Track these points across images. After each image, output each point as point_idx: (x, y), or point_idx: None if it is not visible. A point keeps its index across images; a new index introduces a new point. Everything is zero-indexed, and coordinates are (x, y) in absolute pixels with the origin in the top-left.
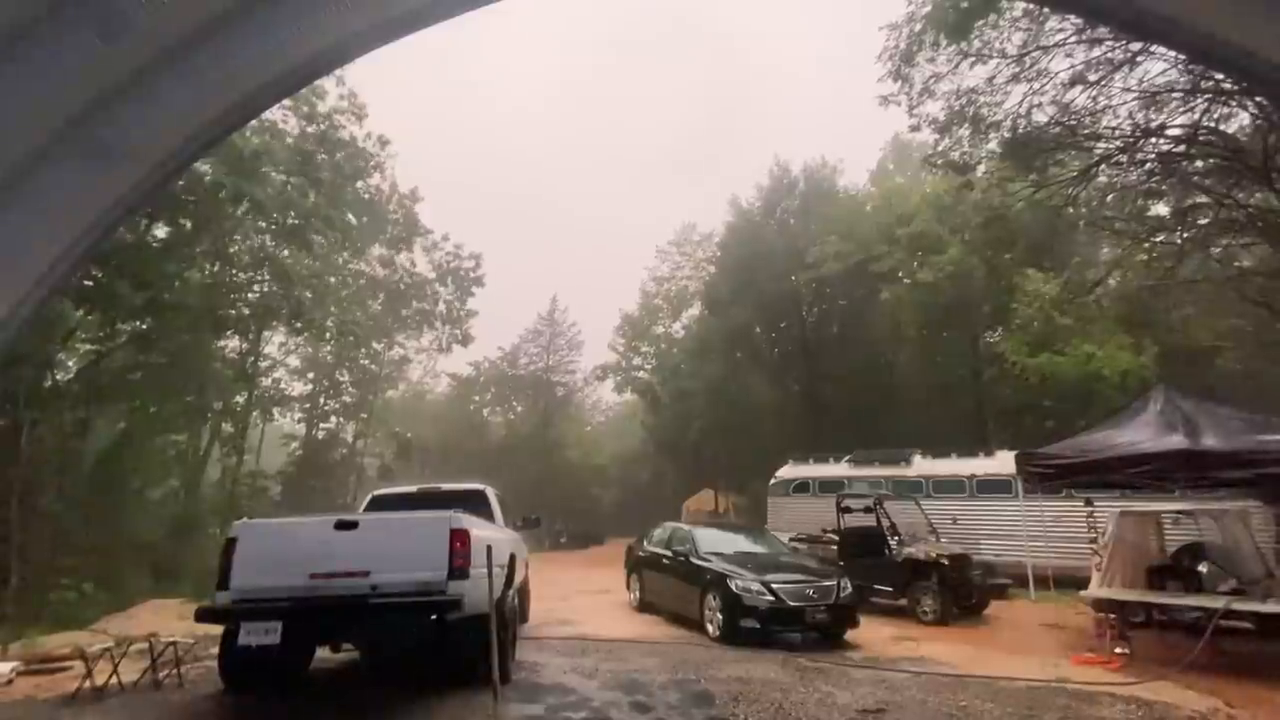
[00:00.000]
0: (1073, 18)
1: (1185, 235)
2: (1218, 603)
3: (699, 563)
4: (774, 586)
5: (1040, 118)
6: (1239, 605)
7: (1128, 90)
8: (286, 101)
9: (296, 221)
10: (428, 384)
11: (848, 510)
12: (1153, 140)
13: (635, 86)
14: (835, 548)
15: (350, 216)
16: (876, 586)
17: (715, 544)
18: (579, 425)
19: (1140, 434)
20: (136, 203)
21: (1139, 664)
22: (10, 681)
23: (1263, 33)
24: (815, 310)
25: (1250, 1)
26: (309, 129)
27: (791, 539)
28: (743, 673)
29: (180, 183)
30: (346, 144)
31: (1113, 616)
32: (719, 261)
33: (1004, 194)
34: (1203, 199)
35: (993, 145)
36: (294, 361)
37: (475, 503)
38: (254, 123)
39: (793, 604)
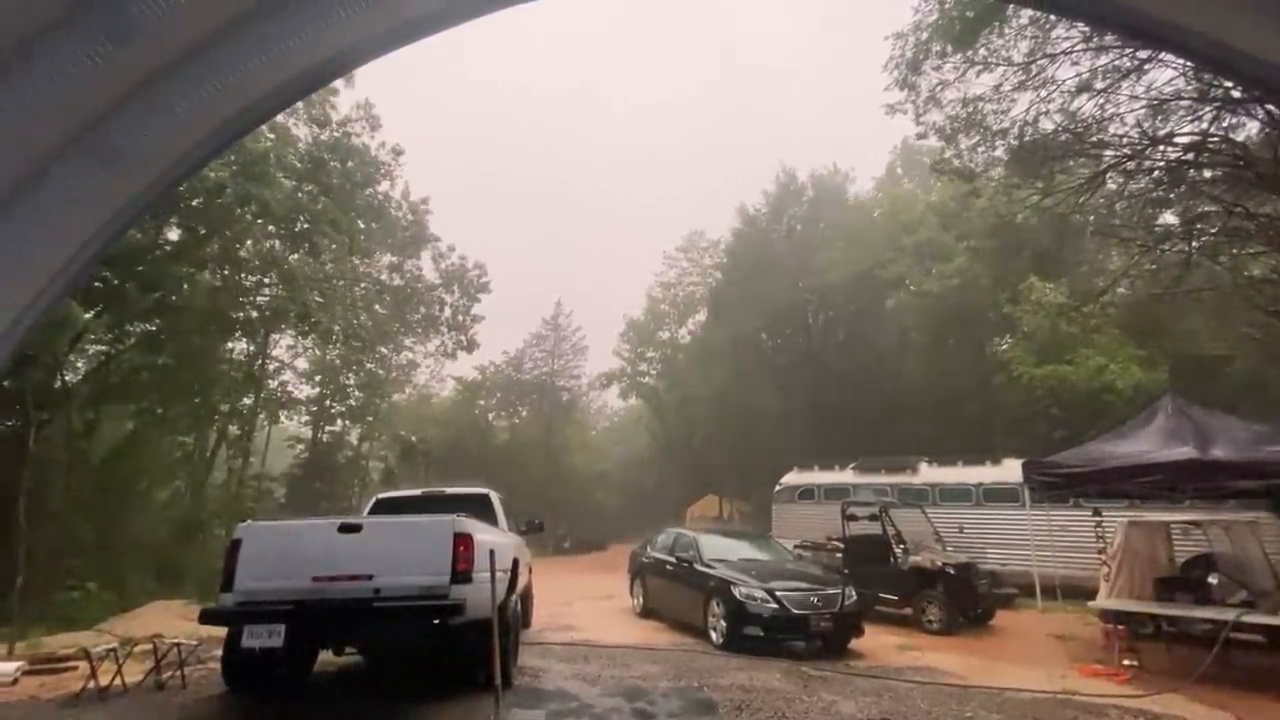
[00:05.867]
0: (1079, 25)
1: (1194, 244)
2: (1227, 615)
3: (703, 569)
4: (778, 594)
5: (1047, 125)
6: (1249, 618)
7: (1135, 98)
8: (299, 106)
9: (306, 225)
10: (433, 388)
11: (853, 518)
12: (1161, 148)
13: (643, 91)
14: (840, 555)
15: (360, 222)
16: (881, 595)
17: (719, 551)
18: (583, 430)
19: (1149, 443)
20: (147, 206)
21: (1147, 676)
22: (15, 681)
23: (1272, 39)
24: (822, 317)
25: (1259, 7)
26: (322, 136)
27: (796, 546)
28: (746, 681)
29: (195, 186)
30: (359, 151)
31: (1121, 628)
32: (725, 268)
33: (1010, 201)
34: (1211, 207)
35: (999, 153)
36: (301, 364)
37: (479, 507)
38: (263, 127)
39: (797, 612)
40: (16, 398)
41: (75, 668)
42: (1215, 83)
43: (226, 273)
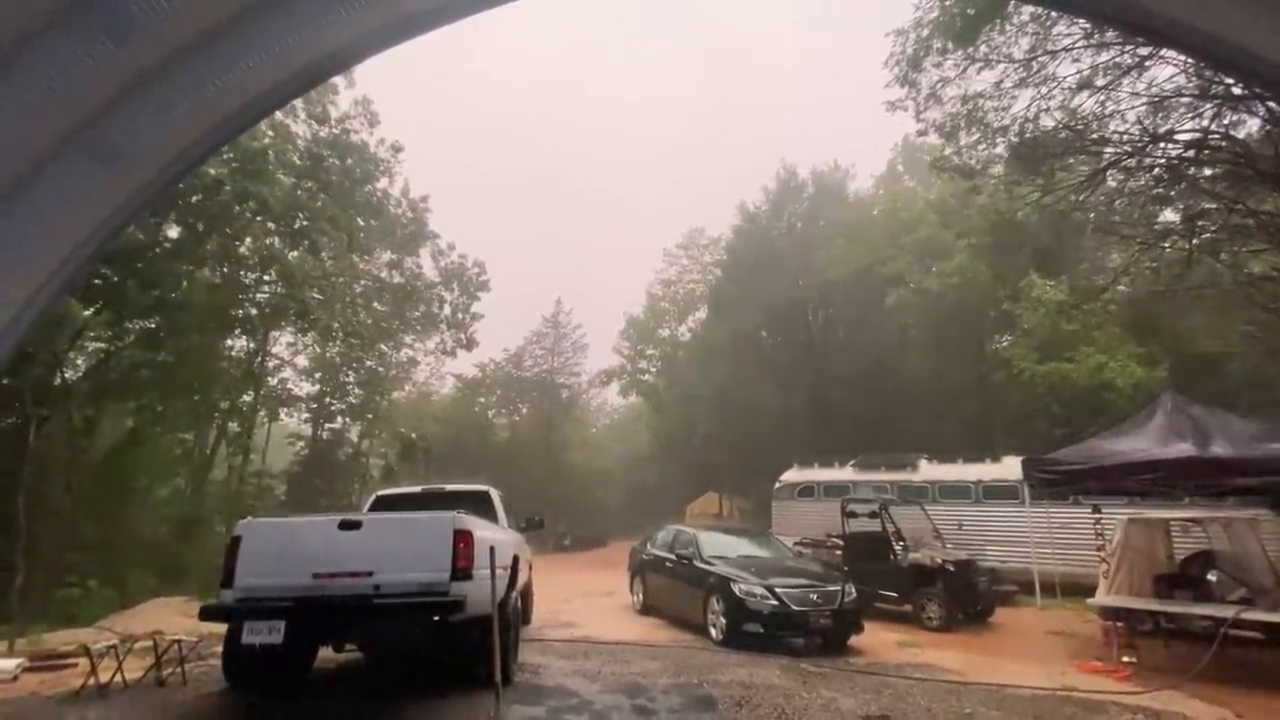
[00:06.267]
0: (1080, 22)
1: (1194, 241)
2: (1227, 612)
3: (702, 566)
4: (778, 591)
5: (1048, 122)
6: (1248, 615)
7: (1136, 95)
8: (298, 103)
9: (305, 222)
10: (433, 385)
11: (853, 515)
12: (1161, 145)
13: (643, 88)
14: (840, 552)
15: (359, 219)
16: (881, 592)
17: (719, 548)
18: (583, 427)
19: (1148, 440)
20: (146, 203)
21: (1146, 673)
22: (16, 678)
23: (1272, 36)
24: (822, 314)
25: (1259, 4)
26: (320, 133)
27: (796, 543)
28: (745, 677)
29: (193, 183)
30: (358, 148)
31: (1120, 625)
32: (726, 265)
33: (1011, 198)
34: (1212, 204)
35: (1000, 150)
36: (301, 361)
37: (479, 504)
38: (262, 124)
39: (796, 609)
40: (16, 395)
41: (76, 664)
42: (1216, 79)
43: (226, 270)
